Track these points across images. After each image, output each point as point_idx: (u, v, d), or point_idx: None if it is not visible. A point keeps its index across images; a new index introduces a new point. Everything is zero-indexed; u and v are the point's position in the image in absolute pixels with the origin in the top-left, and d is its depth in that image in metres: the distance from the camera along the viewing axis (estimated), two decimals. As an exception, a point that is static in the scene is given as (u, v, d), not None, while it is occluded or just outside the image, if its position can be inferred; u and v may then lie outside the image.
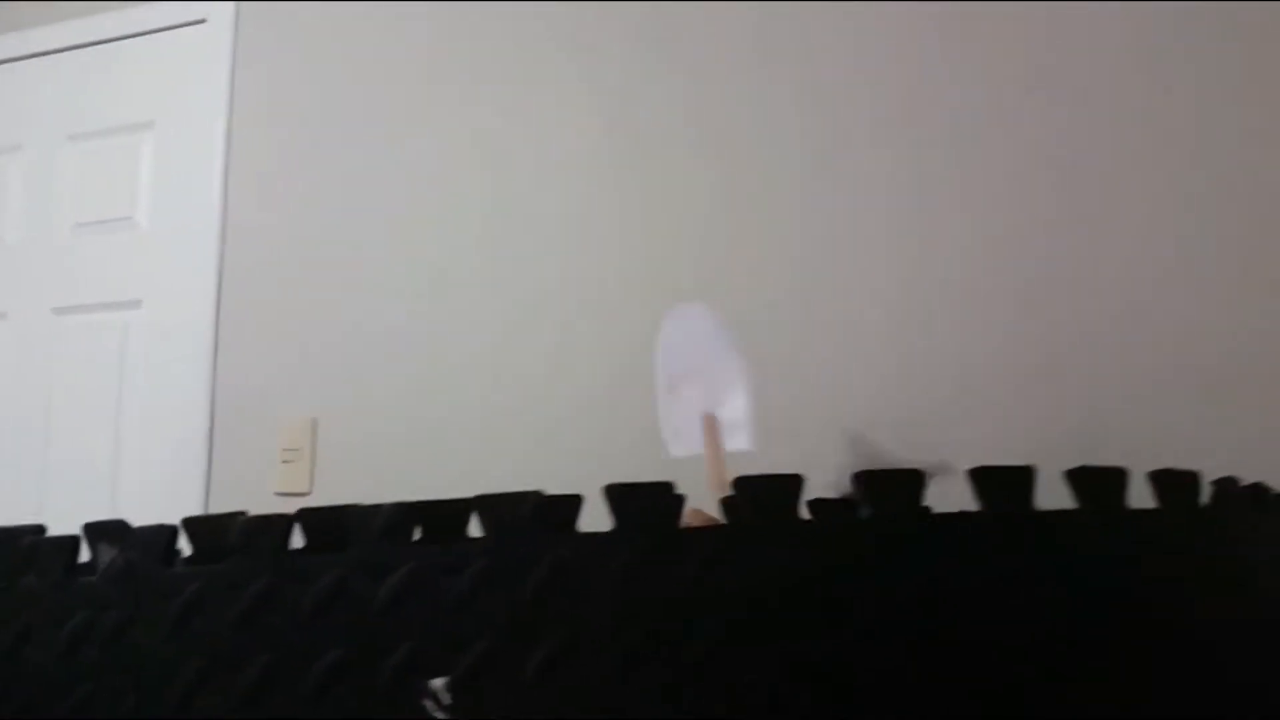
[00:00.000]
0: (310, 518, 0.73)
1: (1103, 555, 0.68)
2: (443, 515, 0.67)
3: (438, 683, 0.62)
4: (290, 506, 2.12)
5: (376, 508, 0.65)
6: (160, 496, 2.14)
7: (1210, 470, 0.90)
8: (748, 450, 1.27)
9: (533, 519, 0.64)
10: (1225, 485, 0.79)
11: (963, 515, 0.67)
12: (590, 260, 1.87)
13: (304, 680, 0.64)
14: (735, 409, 1.25)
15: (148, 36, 2.39)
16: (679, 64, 1.88)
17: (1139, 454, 1.52)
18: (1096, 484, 0.70)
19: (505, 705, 0.61)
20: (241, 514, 0.71)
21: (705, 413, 1.26)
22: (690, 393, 1.32)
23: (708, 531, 0.64)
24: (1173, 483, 0.74)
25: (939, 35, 1.74)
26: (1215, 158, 1.57)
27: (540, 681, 0.61)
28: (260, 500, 2.02)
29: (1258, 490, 0.83)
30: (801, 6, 1.82)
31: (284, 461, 2.00)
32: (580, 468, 1.80)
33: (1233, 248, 1.54)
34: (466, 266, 1.95)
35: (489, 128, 1.99)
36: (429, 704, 0.62)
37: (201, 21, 2.32)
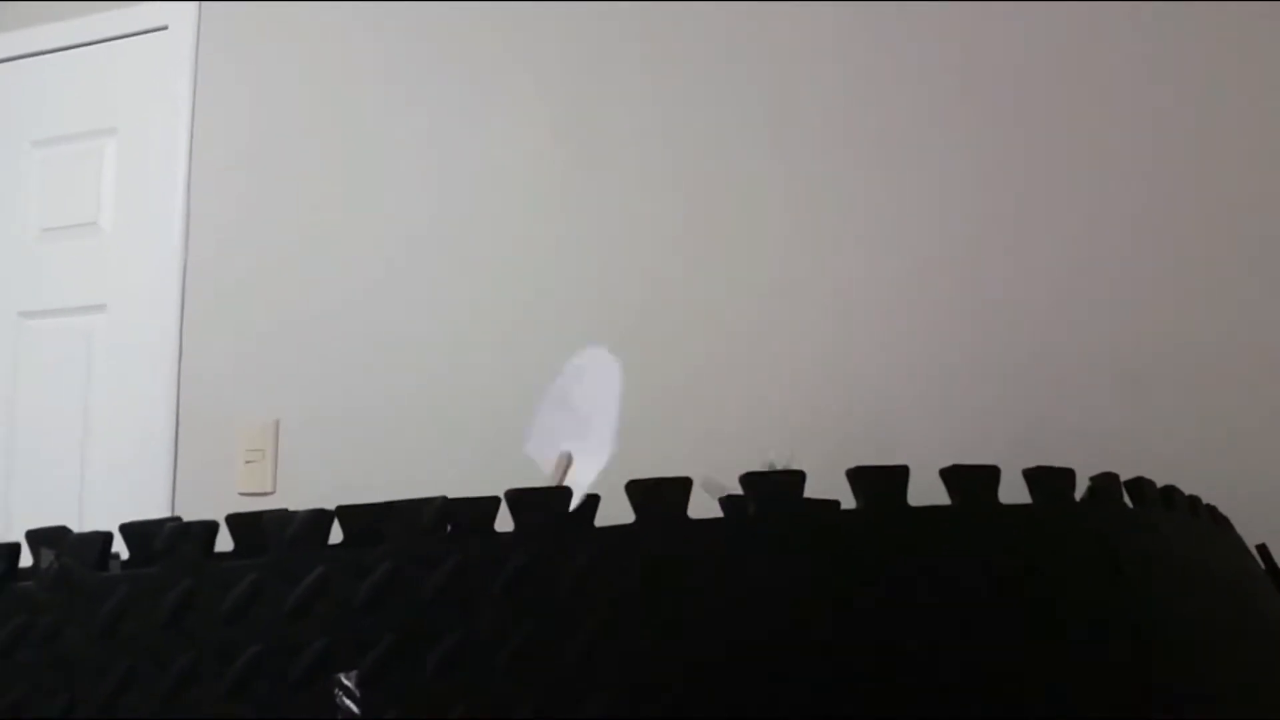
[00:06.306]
0: (234, 522, 0.77)
1: (974, 549, 0.73)
2: (355, 520, 0.72)
3: (347, 677, 0.67)
4: (254, 506, 2.15)
5: (292, 514, 0.69)
6: (127, 498, 2.18)
7: (1139, 467, 0.95)
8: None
9: (436, 523, 0.68)
10: (1102, 481, 0.84)
11: (837, 512, 0.72)
12: (541, 265, 1.92)
13: (224, 677, 0.68)
14: (588, 467, 1.11)
15: (111, 43, 2.42)
16: (632, 70, 1.92)
17: (1070, 451, 1.58)
18: (969, 481, 0.75)
19: (408, 699, 0.66)
20: (172, 520, 0.75)
21: (564, 451, 1.17)
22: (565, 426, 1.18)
23: (598, 531, 0.69)
24: (1046, 479, 0.79)
25: (905, 39, 1.78)
26: (1150, 174, 1.62)
27: (439, 677, 0.65)
28: (225, 500, 2.06)
29: (1138, 485, 0.88)
30: (759, 9, 1.86)
31: (247, 462, 2.04)
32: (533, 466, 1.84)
33: (1167, 261, 1.60)
34: (424, 271, 2.00)
35: (444, 133, 2.03)
36: (340, 697, 0.67)
37: (163, 29, 2.35)
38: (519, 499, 0.70)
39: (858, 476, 0.73)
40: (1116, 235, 1.62)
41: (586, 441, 1.06)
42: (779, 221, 1.79)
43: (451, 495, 0.74)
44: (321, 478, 2.00)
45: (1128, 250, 1.61)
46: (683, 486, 0.71)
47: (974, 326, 1.66)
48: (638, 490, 0.71)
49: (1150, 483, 0.90)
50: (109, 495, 2.21)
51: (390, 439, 1.96)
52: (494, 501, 0.71)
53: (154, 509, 2.13)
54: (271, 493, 2.03)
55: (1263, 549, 1.46)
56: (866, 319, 1.72)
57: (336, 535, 0.78)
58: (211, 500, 2.07)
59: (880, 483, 0.73)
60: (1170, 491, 0.96)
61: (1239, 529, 1.39)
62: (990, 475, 0.76)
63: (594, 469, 1.01)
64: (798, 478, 0.72)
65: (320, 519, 0.70)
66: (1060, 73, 1.68)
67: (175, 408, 2.16)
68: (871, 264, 1.73)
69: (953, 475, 0.75)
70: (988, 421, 1.62)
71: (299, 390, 2.05)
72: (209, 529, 0.72)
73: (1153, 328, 1.58)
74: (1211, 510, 1.11)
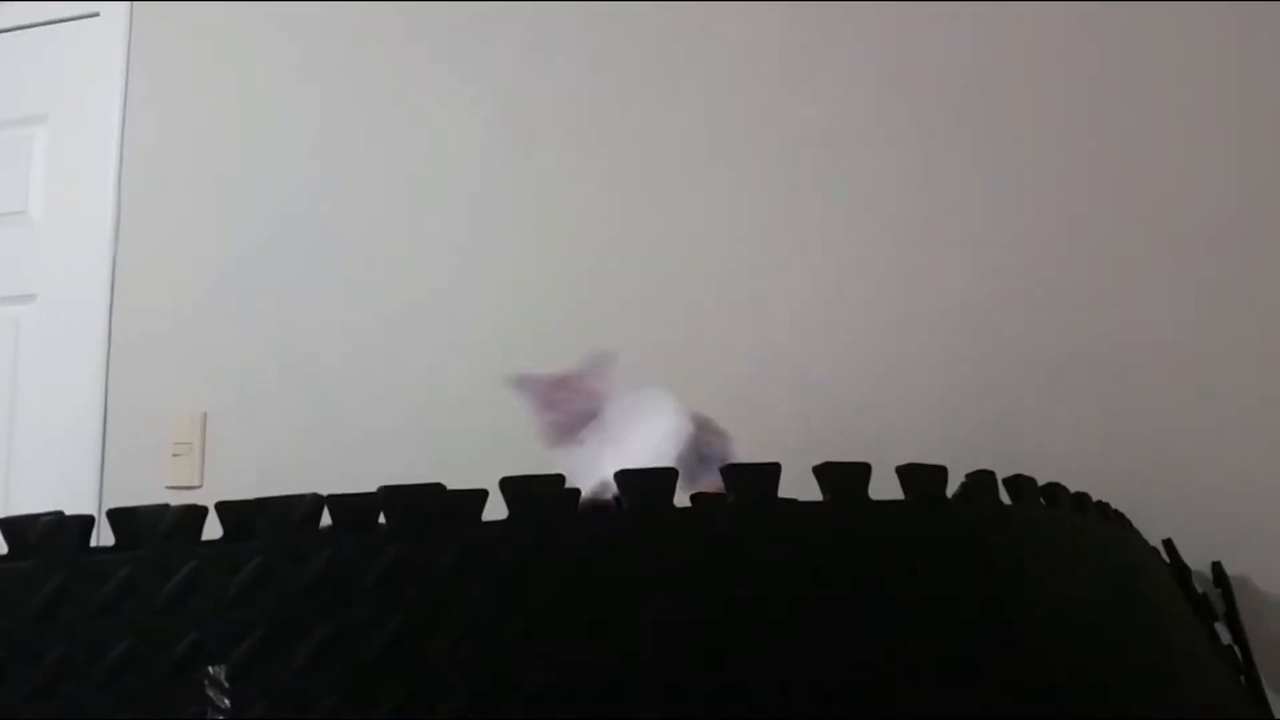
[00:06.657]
0: (114, 517, 0.78)
1: (843, 543, 0.76)
2: (231, 515, 0.72)
3: (217, 670, 0.68)
4: (181, 500, 2.13)
5: (164, 509, 0.70)
6: (55, 491, 2.15)
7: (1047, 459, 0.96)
8: None
9: (308, 519, 0.69)
10: (976, 478, 0.87)
11: (709, 506, 0.74)
12: (478, 257, 1.92)
13: (95, 670, 0.68)
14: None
15: (42, 29, 2.39)
16: (562, 59, 1.93)
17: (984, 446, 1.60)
18: (840, 477, 0.77)
19: (279, 690, 0.67)
20: (51, 514, 0.75)
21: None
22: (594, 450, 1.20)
23: (470, 526, 0.70)
24: (918, 475, 0.81)
25: (850, 38, 1.80)
26: (1070, 177, 1.65)
27: (309, 669, 0.66)
28: (153, 494, 2.04)
29: (1015, 482, 0.91)
30: (702, 8, 1.87)
31: (174, 455, 2.03)
32: (470, 462, 1.85)
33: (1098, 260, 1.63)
34: (356, 263, 1.99)
35: (379, 126, 2.02)
36: (210, 689, 0.68)
37: (95, 16, 2.33)
38: (392, 495, 0.71)
39: (731, 472, 0.75)
40: (1070, 233, 1.64)
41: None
42: (718, 219, 1.80)
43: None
44: (249, 472, 1.99)
45: (1089, 248, 1.63)
46: (555, 483, 0.72)
47: (928, 324, 1.67)
48: (510, 486, 0.72)
49: (1029, 479, 0.93)
50: (36, 488, 2.19)
51: (318, 434, 1.96)
52: (369, 497, 0.72)
53: (81, 503, 2.11)
54: (199, 486, 2.02)
55: (1168, 544, 1.51)
56: (810, 316, 1.73)
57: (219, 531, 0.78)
58: (139, 495, 2.04)
59: (756, 478, 0.74)
60: (1053, 488, 0.99)
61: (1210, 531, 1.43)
62: (861, 471, 0.78)
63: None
64: (668, 480, 0.74)
65: (193, 513, 0.70)
66: (1007, 71, 1.69)
67: (104, 400, 2.14)
68: (813, 262, 1.74)
69: (825, 472, 0.77)
70: (945, 420, 1.64)
71: (227, 383, 2.04)
72: (84, 523, 0.72)
73: (1119, 328, 1.59)
74: (1103, 507, 1.15)
